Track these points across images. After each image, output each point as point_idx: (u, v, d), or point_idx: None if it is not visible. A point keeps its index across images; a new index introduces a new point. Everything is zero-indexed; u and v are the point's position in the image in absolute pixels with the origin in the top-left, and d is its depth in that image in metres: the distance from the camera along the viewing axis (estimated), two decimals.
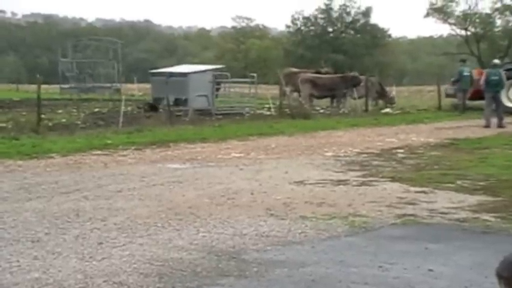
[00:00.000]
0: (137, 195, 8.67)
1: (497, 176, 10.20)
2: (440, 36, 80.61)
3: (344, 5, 69.32)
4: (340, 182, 9.76)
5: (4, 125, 18.14)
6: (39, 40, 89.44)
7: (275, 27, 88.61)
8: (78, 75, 37.99)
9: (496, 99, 20.76)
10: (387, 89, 29.83)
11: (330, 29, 70.29)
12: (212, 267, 5.58)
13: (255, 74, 26.07)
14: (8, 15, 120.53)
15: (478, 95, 26.68)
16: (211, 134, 16.47)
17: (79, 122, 19.84)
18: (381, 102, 28.62)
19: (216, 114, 22.66)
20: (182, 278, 5.30)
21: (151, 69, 28.14)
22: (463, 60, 28.68)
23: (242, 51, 74.00)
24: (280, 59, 67.65)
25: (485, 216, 7.48)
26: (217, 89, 24.93)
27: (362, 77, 27.11)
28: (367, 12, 68.92)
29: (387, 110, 26.31)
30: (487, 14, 59.23)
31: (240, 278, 5.33)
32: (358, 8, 69.11)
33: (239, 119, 21.50)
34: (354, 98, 26.60)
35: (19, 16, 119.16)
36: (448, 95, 27.57)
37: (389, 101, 28.64)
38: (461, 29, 60.70)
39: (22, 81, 53.95)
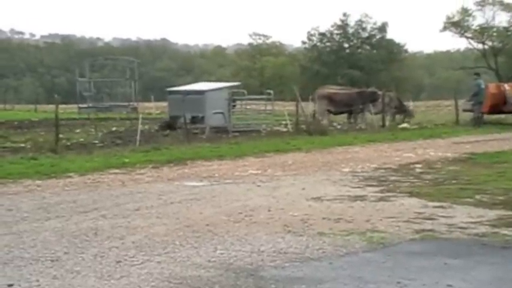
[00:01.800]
0: (155, 213, 8.69)
1: None
2: (458, 51, 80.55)
3: (360, 20, 69.58)
4: (357, 198, 9.73)
5: (23, 145, 18.28)
6: (57, 60, 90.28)
7: (291, 44, 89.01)
8: (96, 95, 38.24)
9: None
10: (405, 103, 29.78)
11: (346, 45, 70.44)
12: (230, 284, 5.58)
13: (271, 91, 26.13)
14: (27, 36, 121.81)
15: (495, 109, 26.63)
16: (228, 152, 16.49)
17: (97, 141, 19.95)
18: (398, 117, 28.53)
19: (233, 131, 22.71)
20: None
21: (168, 87, 28.28)
22: (478, 74, 28.62)
23: (258, 69, 74.22)
24: (296, 75, 67.79)
25: (504, 231, 7.41)
26: (233, 106, 25.00)
27: (379, 93, 27.05)
28: (383, 28, 69.05)
29: (404, 125, 26.23)
30: (504, 28, 59.06)
31: None
32: (374, 23, 69.35)
33: (256, 136, 21.52)
34: (371, 114, 26.55)
35: (37, 37, 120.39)
36: (465, 110, 27.44)
37: (409, 114, 28.54)
38: (478, 42, 60.56)
39: (40, 101, 54.49)
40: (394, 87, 34.62)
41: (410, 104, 30.89)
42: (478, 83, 26.53)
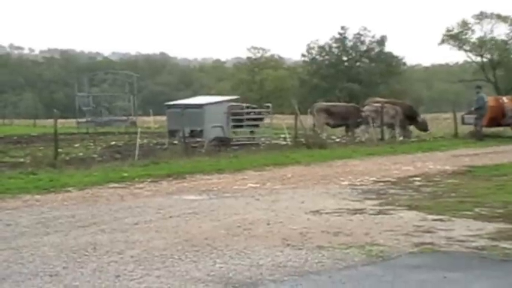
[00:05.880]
0: (154, 227, 8.68)
1: None
2: (456, 64, 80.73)
3: (358, 34, 69.78)
4: (356, 211, 9.72)
5: (22, 160, 18.26)
6: (56, 75, 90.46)
7: (290, 57, 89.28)
8: (95, 109, 38.37)
9: None
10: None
11: (345, 58, 70.61)
12: None
13: (270, 104, 26.17)
14: (26, 51, 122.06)
15: (494, 122, 26.62)
16: (227, 165, 16.49)
17: (96, 156, 19.94)
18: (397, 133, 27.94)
19: (232, 144, 22.71)
20: None
21: (167, 101, 28.31)
22: (479, 87, 28.58)
23: (257, 82, 74.34)
24: (295, 88, 67.94)
25: (504, 244, 7.41)
26: (260, 119, 25.15)
27: (377, 105, 26.82)
28: (381, 41, 69.26)
29: (400, 138, 26.06)
30: (503, 41, 59.26)
31: None
32: (373, 36, 69.57)
33: (255, 150, 21.52)
34: (372, 127, 26.38)
35: (36, 52, 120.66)
36: (466, 123, 27.23)
37: (421, 127, 27.85)
38: (477, 55, 60.75)
39: (39, 116, 54.45)
40: (409, 99, 33.87)
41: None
42: (482, 96, 26.39)
